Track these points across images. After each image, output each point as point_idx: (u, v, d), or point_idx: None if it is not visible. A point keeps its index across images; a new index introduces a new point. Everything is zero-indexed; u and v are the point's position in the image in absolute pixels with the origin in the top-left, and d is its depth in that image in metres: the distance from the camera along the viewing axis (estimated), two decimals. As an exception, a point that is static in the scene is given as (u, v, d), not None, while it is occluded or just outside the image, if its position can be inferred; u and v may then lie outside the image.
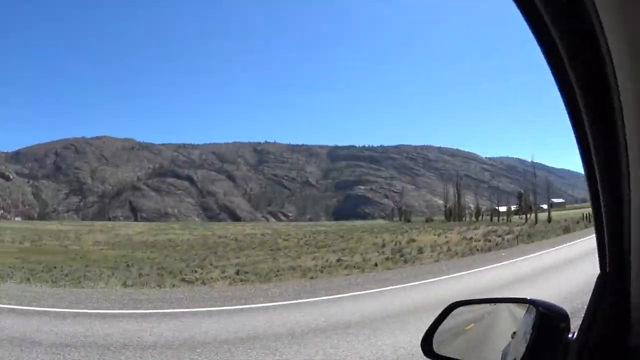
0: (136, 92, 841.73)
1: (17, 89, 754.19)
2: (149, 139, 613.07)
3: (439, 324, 2.61)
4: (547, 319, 1.89)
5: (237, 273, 25.97)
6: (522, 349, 2.09)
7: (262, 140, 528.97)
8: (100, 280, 22.56)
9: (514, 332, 2.47)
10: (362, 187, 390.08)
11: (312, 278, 21.46)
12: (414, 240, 46.71)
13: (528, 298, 2.23)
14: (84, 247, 58.52)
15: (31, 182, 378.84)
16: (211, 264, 33.72)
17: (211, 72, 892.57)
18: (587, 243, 28.33)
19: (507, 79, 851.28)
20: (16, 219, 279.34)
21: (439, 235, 54.73)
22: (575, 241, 31.27)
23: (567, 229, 47.53)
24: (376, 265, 25.80)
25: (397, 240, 49.08)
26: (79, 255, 44.39)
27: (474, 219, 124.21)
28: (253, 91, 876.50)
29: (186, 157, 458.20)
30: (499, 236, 45.10)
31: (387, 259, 29.31)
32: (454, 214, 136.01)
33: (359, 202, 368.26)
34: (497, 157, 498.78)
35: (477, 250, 31.60)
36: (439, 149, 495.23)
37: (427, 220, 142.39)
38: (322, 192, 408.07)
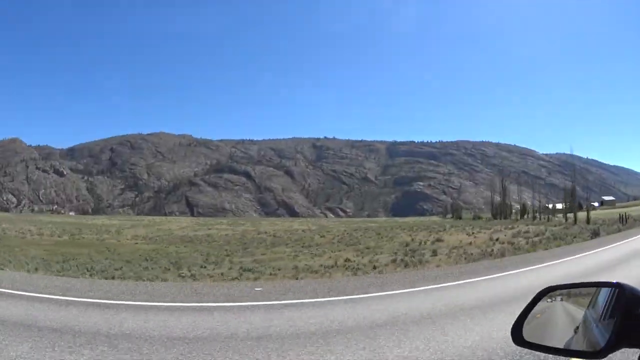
0: (196, 90, 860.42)
1: (73, 88, 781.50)
2: (206, 135, 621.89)
3: (530, 311, 2.62)
4: (630, 302, 1.91)
5: (241, 270, 26.17)
6: (584, 343, 2.25)
7: (322, 136, 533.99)
8: (102, 272, 23.07)
9: (577, 327, 2.51)
10: (420, 183, 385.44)
11: (297, 279, 21.20)
12: (441, 240, 45.87)
13: (614, 282, 2.23)
14: (120, 241, 60.00)
15: (86, 177, 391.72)
16: (231, 260, 33.96)
17: (271, 71, 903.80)
18: (590, 258, 25.93)
19: (564, 76, 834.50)
20: (70, 213, 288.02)
21: (470, 234, 53.51)
22: (585, 253, 28.58)
23: (596, 233, 44.01)
24: (374, 268, 25.09)
25: (425, 239, 48.49)
26: (109, 249, 45.51)
27: (518, 217, 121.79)
28: (314, 88, 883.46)
29: (244, 153, 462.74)
30: (527, 238, 43.77)
31: (393, 261, 28.91)
32: (499, 211, 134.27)
33: (418, 198, 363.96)
34: (553, 154, 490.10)
35: (490, 255, 30.35)
36: (497, 144, 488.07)
37: (474, 218, 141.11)
38: (380, 188, 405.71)
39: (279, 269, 25.92)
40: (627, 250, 29.69)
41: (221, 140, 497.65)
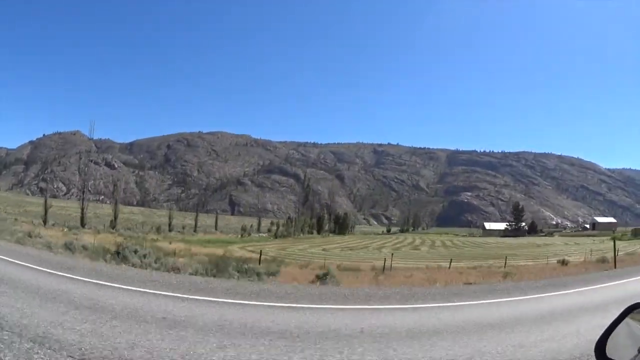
0: (262, 91, 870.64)
1: (144, 87, 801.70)
2: (269, 136, 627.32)
3: (614, 328, 2.60)
4: None
5: None
6: None
7: (385, 142, 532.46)
8: None
9: None
10: (468, 194, 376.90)
11: None
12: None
13: None
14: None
15: (136, 171, 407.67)
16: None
17: (337, 76, 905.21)
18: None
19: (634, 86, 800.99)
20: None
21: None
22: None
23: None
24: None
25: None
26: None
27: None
28: (385, 94, 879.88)
29: (303, 155, 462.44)
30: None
31: None
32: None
33: (464, 209, 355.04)
34: (617, 169, 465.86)
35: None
36: (559, 157, 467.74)
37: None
38: (430, 196, 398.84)
39: None
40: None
41: (282, 142, 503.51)
